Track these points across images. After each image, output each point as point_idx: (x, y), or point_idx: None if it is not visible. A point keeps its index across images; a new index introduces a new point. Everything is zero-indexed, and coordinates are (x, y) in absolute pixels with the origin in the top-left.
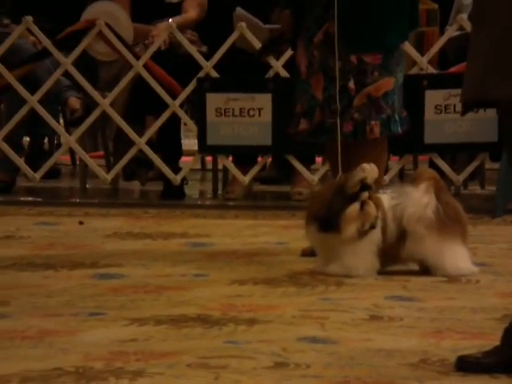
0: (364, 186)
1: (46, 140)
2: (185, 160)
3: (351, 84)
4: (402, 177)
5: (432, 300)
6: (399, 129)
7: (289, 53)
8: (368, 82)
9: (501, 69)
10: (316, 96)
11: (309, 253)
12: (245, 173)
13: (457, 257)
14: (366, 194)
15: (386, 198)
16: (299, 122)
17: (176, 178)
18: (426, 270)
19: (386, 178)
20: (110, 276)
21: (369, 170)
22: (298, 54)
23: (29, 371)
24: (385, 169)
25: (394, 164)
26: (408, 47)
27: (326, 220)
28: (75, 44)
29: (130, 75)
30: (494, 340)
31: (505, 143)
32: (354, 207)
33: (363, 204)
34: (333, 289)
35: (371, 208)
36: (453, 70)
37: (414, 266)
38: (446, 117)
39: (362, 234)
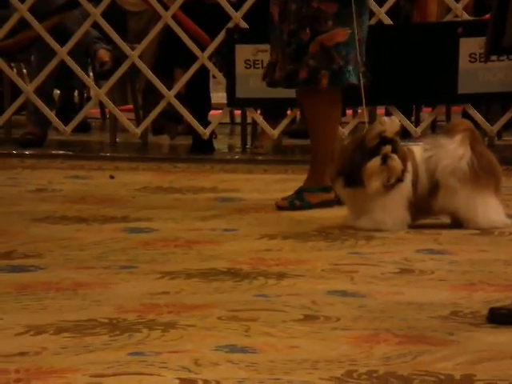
0: (384, 139)
1: (75, 93)
2: (214, 113)
3: (306, 30)
4: (435, 128)
5: (464, 253)
6: (354, 80)
7: None
8: (321, 31)
9: None
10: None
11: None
12: (274, 126)
13: (490, 209)
14: (387, 148)
15: (418, 150)
16: (275, 70)
17: (205, 132)
18: (457, 222)
19: (418, 129)
20: (141, 230)
21: (388, 123)
22: (272, 3)
23: (64, 321)
24: (338, 120)
25: (427, 115)
26: None
27: (350, 175)
28: None
29: (158, 26)
30: None
31: None
32: (375, 162)
33: (386, 158)
34: (362, 243)
35: (394, 162)
36: (489, 16)
37: (446, 219)
38: (480, 65)
39: (389, 187)
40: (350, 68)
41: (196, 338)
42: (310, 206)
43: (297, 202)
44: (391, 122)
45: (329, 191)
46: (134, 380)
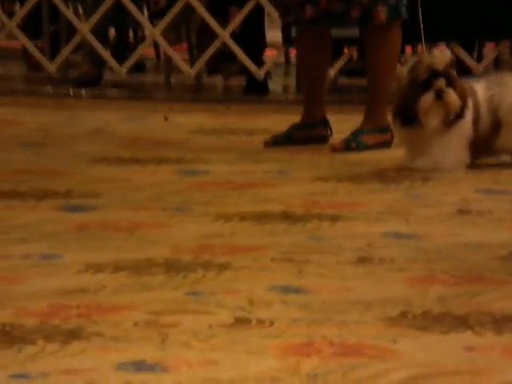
0: (435, 72)
1: (130, 32)
2: (268, 53)
3: None
4: (498, 65)
5: None
6: (407, 14)
7: None
8: None
9: None
10: None
11: (270, 143)
12: (331, 65)
13: None
14: (440, 82)
15: (480, 87)
16: (304, 9)
17: (259, 73)
18: None
19: (481, 66)
20: (195, 172)
21: (437, 55)
22: None
23: (121, 261)
24: (398, 57)
25: (489, 51)
26: None
27: (405, 114)
28: None
29: None
30: None
31: None
32: (428, 97)
33: (440, 93)
34: (419, 184)
35: (450, 96)
36: None
37: (507, 158)
38: None
39: (448, 125)
40: (405, 1)
41: (250, 279)
42: (367, 148)
43: (353, 143)
44: (441, 54)
45: (386, 132)
46: (190, 318)
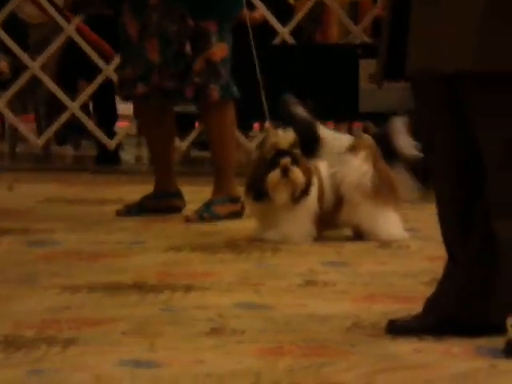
0: (280, 151)
1: None
2: (121, 125)
3: (188, 48)
4: None
5: (365, 265)
6: (238, 94)
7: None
8: (206, 47)
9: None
10: (151, 59)
11: (122, 213)
12: (182, 138)
13: (389, 223)
14: (285, 160)
15: (323, 165)
16: (136, 85)
17: (111, 143)
18: (359, 235)
19: None
20: (42, 242)
21: (281, 135)
22: (125, 18)
23: None
24: (235, 132)
25: None
26: (343, 16)
27: (255, 189)
28: (2, 5)
29: (60, 39)
30: (422, 304)
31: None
32: (275, 174)
33: (286, 170)
34: (269, 255)
35: (295, 174)
36: (381, 38)
37: (348, 232)
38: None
39: (295, 201)
40: (233, 82)
41: (98, 354)
42: (219, 217)
43: (205, 214)
44: (285, 134)
45: (236, 202)
46: None
